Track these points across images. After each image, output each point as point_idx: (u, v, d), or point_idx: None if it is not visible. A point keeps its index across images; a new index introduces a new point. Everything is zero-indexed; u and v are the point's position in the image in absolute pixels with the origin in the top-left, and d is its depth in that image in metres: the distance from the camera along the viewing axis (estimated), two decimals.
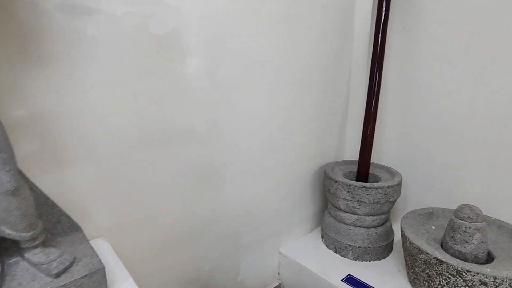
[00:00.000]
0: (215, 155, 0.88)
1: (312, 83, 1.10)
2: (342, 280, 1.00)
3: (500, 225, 0.97)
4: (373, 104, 1.13)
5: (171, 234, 0.84)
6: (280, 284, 1.19)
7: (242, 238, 1.03)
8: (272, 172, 1.06)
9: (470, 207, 0.89)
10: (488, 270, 0.76)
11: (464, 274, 0.77)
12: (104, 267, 0.51)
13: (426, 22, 1.07)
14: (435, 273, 0.84)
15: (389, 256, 1.12)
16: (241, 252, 1.04)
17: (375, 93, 1.12)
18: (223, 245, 0.98)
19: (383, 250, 1.10)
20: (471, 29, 0.99)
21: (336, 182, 1.08)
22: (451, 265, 0.79)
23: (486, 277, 0.75)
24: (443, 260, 0.80)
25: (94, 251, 0.54)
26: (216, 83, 0.83)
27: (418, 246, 0.87)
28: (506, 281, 0.74)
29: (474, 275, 0.76)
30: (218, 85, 0.83)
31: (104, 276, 0.51)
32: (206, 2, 0.76)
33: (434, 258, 0.82)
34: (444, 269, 0.81)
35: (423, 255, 0.85)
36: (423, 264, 0.86)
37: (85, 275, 0.49)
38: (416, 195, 1.23)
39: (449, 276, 0.80)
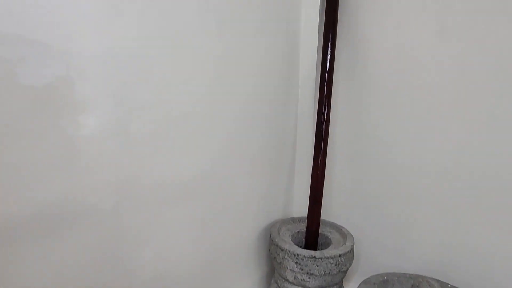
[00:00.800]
0: (127, 237, 0.68)
1: (253, 134, 0.97)
2: None
3: None
4: (320, 157, 1.02)
5: None
6: None
7: None
8: (208, 242, 0.88)
9: (428, 281, 0.79)
10: None
11: None
12: None
13: (373, 73, 1.02)
14: None
15: None
16: None
17: (323, 145, 1.01)
18: None
19: None
20: (419, 81, 0.95)
21: (282, 250, 0.93)
22: None
23: None
24: None
25: None
26: (126, 144, 0.65)
27: None
28: None
29: None
30: (129, 147, 0.65)
31: None
32: (109, 42, 0.59)
33: None
34: None
35: None
36: None
37: None
38: (369, 254, 1.13)
39: None
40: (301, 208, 1.19)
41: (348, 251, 0.93)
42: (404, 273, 0.96)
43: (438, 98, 0.93)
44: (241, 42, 0.85)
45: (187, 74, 0.73)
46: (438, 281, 0.81)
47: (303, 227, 1.10)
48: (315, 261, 0.88)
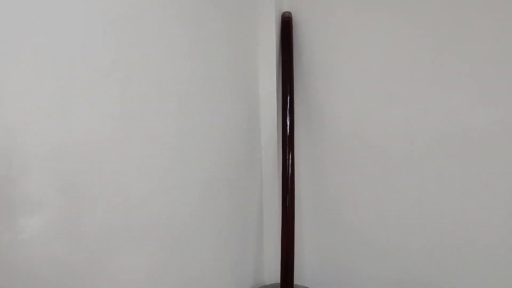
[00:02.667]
0: None
1: (218, 205, 0.93)
2: None
3: None
4: (288, 217, 1.01)
5: None
6: None
7: None
8: None
9: None
10: None
11: None
12: None
13: (330, 136, 1.06)
14: None
15: None
16: None
17: (290, 207, 1.01)
18: None
19: None
20: (372, 142, 1.00)
21: None
22: None
23: None
24: None
25: None
26: (77, 243, 0.57)
27: None
28: None
29: None
30: (81, 246, 0.58)
31: None
32: (55, 137, 0.54)
33: None
34: None
35: None
36: None
37: None
38: None
39: None
40: (272, 274, 1.13)
41: None
42: None
43: (390, 156, 0.98)
44: (201, 114, 0.85)
45: (145, 158, 0.69)
46: None
47: None
48: None
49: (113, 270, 0.63)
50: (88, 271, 0.59)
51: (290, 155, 1.02)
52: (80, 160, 0.57)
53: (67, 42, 0.54)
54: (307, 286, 1.09)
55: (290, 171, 1.02)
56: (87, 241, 0.58)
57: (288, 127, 1.02)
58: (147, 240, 0.70)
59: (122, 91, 0.63)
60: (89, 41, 0.57)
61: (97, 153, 0.60)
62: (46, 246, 0.53)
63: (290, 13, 1.06)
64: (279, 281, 1.01)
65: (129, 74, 0.64)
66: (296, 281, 1.12)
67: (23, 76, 0.50)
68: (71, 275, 0.56)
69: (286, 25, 1.06)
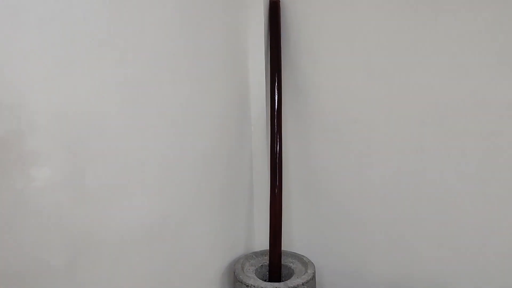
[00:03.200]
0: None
1: (210, 175, 0.99)
2: None
3: None
4: (276, 191, 1.08)
5: None
6: None
7: None
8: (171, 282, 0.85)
9: None
10: None
11: None
12: None
13: (316, 111, 1.12)
14: None
15: None
16: None
17: (278, 180, 1.08)
18: None
19: None
20: (354, 116, 1.07)
21: (247, 286, 0.93)
22: None
23: None
24: None
25: None
26: (82, 196, 0.64)
27: None
28: None
29: None
30: (85, 198, 0.64)
31: None
32: (58, 97, 0.60)
33: None
34: None
35: None
36: None
37: None
38: (330, 279, 1.17)
39: None
40: (262, 241, 1.21)
41: (310, 279, 0.96)
42: None
43: (373, 131, 1.05)
44: (194, 87, 0.90)
45: (142, 124, 0.75)
46: None
47: (266, 260, 1.12)
48: None
49: (112, 219, 0.69)
50: (92, 220, 0.65)
51: (278, 130, 1.09)
52: (83, 121, 0.63)
53: (69, 12, 0.60)
54: (294, 251, 1.17)
55: (278, 145, 1.08)
56: (91, 196, 0.65)
57: (276, 102, 1.09)
58: (144, 197, 0.77)
59: (120, 59, 0.69)
60: (89, 12, 0.63)
61: (98, 116, 0.66)
62: (54, 197, 0.60)
63: None
64: (268, 248, 1.09)
65: (126, 44, 0.70)
66: (285, 247, 1.21)
67: (31, 42, 0.55)
68: (76, 224, 0.63)
69: (274, 6, 1.12)
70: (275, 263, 1.06)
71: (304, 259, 1.09)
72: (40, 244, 0.58)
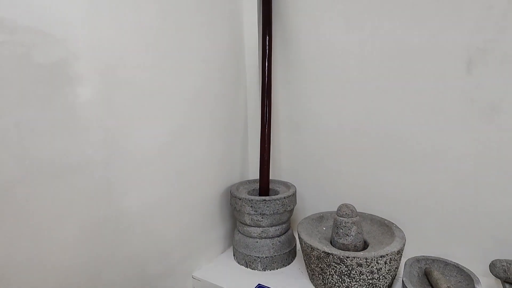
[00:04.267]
0: (114, 183, 0.88)
1: (211, 110, 1.20)
2: None
3: (372, 218, 1.18)
4: (266, 127, 1.28)
5: (65, 280, 0.78)
6: None
7: (150, 269, 1.01)
8: (178, 197, 1.09)
9: (346, 205, 1.07)
10: (361, 253, 0.93)
11: (345, 260, 0.92)
12: None
13: (302, 58, 1.31)
14: (325, 265, 0.97)
15: (293, 262, 1.24)
16: (150, 285, 1.01)
17: (267, 117, 1.28)
18: (128, 281, 0.94)
19: (287, 256, 1.21)
20: (334, 62, 1.25)
21: (240, 199, 1.17)
22: (335, 255, 0.94)
23: (360, 259, 0.91)
24: (329, 252, 0.95)
25: None
26: (111, 111, 0.85)
27: (311, 245, 1.00)
28: (374, 259, 0.91)
29: (352, 259, 0.92)
30: (113, 113, 0.85)
31: None
32: (94, 33, 0.80)
33: (323, 252, 0.96)
34: (331, 260, 0.95)
35: (315, 252, 0.98)
36: (316, 260, 0.99)
37: None
38: (311, 203, 1.41)
39: (335, 265, 0.94)
40: (255, 172, 1.44)
41: (291, 195, 1.19)
42: (335, 211, 1.25)
43: (346, 75, 1.23)
44: (199, 36, 1.09)
45: (156, 58, 0.95)
46: (352, 205, 1.09)
47: (257, 186, 1.35)
48: (265, 203, 1.14)
49: (134, 133, 0.91)
50: (120, 130, 0.87)
51: (268, 77, 1.27)
52: (111, 53, 0.83)
53: None
54: (282, 179, 1.40)
55: (267, 89, 1.27)
56: (118, 112, 0.86)
57: (267, 52, 1.26)
58: (157, 121, 0.98)
59: (138, 6, 0.88)
60: None
61: (122, 50, 0.86)
62: (94, 109, 0.81)
63: None
64: (258, 177, 1.32)
65: None
66: (273, 177, 1.44)
67: None
68: (109, 131, 0.85)
69: None
70: (264, 187, 1.29)
71: (288, 184, 1.32)
72: (86, 144, 0.80)
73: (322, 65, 1.28)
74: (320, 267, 0.99)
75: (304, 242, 1.03)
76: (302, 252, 1.09)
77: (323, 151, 1.34)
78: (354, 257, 0.92)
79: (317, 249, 0.97)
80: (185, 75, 1.07)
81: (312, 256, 1.01)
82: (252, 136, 1.43)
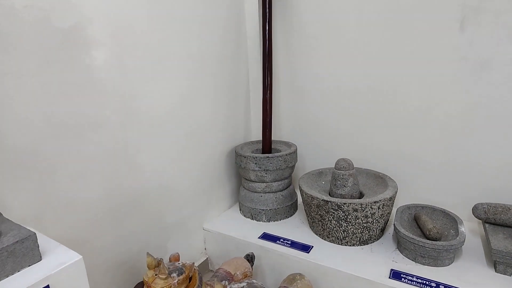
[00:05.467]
0: (130, 141, 0.95)
1: (215, 73, 1.25)
2: (258, 237, 1.18)
3: (368, 172, 1.28)
4: (268, 90, 1.34)
5: (94, 217, 0.88)
6: (207, 258, 1.31)
7: (166, 218, 1.12)
8: (188, 155, 1.17)
9: (344, 159, 1.16)
10: (357, 200, 1.03)
11: (342, 206, 1.03)
12: (35, 234, 0.55)
13: (302, 22, 1.34)
14: (324, 212, 1.07)
15: (295, 214, 1.35)
16: (166, 232, 1.12)
17: (269, 80, 1.33)
18: (148, 226, 1.05)
19: (289, 209, 1.32)
20: (335, 25, 1.28)
21: (245, 157, 1.25)
22: (333, 202, 1.03)
23: (356, 205, 1.01)
24: (328, 200, 1.05)
25: (20, 226, 0.58)
26: (124, 74, 0.91)
27: (311, 195, 1.09)
28: (369, 205, 1.01)
29: (348, 205, 1.02)
30: (126, 76, 0.91)
31: (36, 241, 0.55)
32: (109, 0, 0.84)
33: (322, 200, 1.06)
34: (330, 207, 1.05)
35: (315, 201, 1.08)
36: (316, 208, 1.10)
37: (16, 241, 0.53)
38: (311, 161, 1.50)
39: (333, 211, 1.05)
40: (257, 135, 1.52)
41: (292, 152, 1.28)
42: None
43: (344, 36, 1.27)
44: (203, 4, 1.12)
45: (163, 23, 0.99)
46: (349, 159, 1.18)
47: (260, 146, 1.43)
48: (269, 159, 1.22)
49: (146, 95, 0.98)
50: (133, 91, 0.94)
51: (269, 42, 1.31)
52: (122, 19, 0.88)
53: None
54: (284, 140, 1.48)
55: (268, 53, 1.32)
56: (130, 74, 0.92)
57: (267, 17, 1.29)
58: (165, 82, 1.04)
59: None
60: None
61: (131, 17, 0.90)
62: (108, 71, 0.87)
63: None
64: (261, 138, 1.39)
65: None
66: (275, 138, 1.52)
67: None
68: (124, 92, 0.91)
69: None
70: (267, 146, 1.37)
71: (290, 143, 1.40)
72: (103, 104, 0.86)
73: (321, 28, 1.31)
74: (319, 214, 1.10)
75: (305, 193, 1.13)
76: (303, 203, 1.19)
77: (322, 112, 1.41)
78: (350, 203, 1.01)
79: (317, 198, 1.07)
80: (190, 40, 1.11)
81: (312, 205, 1.11)
82: (254, 99, 1.49)
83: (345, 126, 1.37)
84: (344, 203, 1.02)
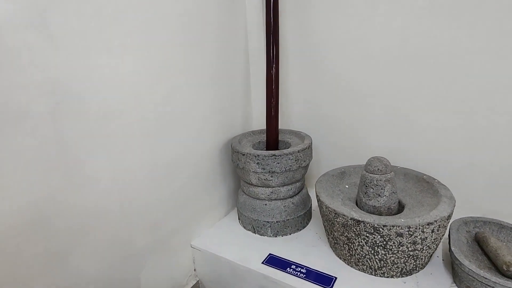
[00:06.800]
0: (71, 140, 0.64)
1: (203, 41, 0.92)
2: (262, 262, 0.89)
3: (406, 173, 0.96)
4: (273, 65, 1.01)
5: (19, 258, 0.59)
6: (198, 281, 1.03)
7: (136, 242, 0.82)
8: (165, 153, 0.87)
9: (378, 159, 0.85)
10: (402, 220, 0.72)
11: (381, 229, 0.72)
12: None
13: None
14: (353, 235, 0.77)
15: (309, 225, 1.05)
16: (137, 260, 0.83)
17: (274, 52, 1.00)
18: (106, 258, 0.75)
19: (302, 219, 1.03)
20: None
21: (243, 155, 0.94)
22: (367, 223, 0.73)
23: (401, 228, 0.71)
24: (360, 219, 0.74)
25: None
26: (50, 39, 0.58)
27: (334, 210, 0.79)
28: (419, 228, 0.71)
29: (390, 229, 0.72)
30: (54, 42, 0.59)
31: None
32: None
33: (351, 219, 0.76)
34: (362, 229, 0.75)
35: (340, 219, 0.78)
36: (341, 227, 0.80)
37: None
38: (328, 157, 1.19)
39: (367, 234, 0.75)
40: (260, 122, 1.20)
41: (306, 148, 0.96)
42: (359, 165, 1.03)
43: (373, 23, 0.92)
44: None
45: None
46: (385, 159, 0.87)
47: (263, 137, 1.12)
48: (275, 158, 0.91)
49: (89, 73, 0.66)
50: (65, 67, 0.61)
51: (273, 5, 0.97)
52: None
53: None
54: (294, 129, 1.16)
55: (272, 10, 0.97)
56: (57, 39, 0.59)
57: None
58: (125, 55, 0.72)
59: None
60: None
61: None
62: (21, 36, 0.54)
63: None
64: (265, 127, 1.08)
65: None
66: (283, 126, 1.20)
67: None
68: (50, 69, 0.59)
69: None
70: (272, 138, 1.06)
71: (302, 133, 1.08)
72: (18, 87, 0.55)
73: (342, 5, 0.96)
74: (346, 236, 0.80)
75: (325, 206, 0.82)
76: (322, 217, 0.89)
77: (343, 92, 1.08)
78: (393, 226, 0.71)
79: (343, 215, 0.77)
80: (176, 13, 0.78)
81: (335, 222, 0.81)
82: (255, 76, 1.16)
83: (375, 110, 1.04)
84: (384, 226, 0.72)
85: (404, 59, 0.95)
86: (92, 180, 0.69)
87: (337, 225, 0.81)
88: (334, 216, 0.80)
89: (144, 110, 0.78)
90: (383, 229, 0.72)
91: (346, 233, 0.79)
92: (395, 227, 0.71)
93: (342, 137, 1.14)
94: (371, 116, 1.05)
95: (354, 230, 0.76)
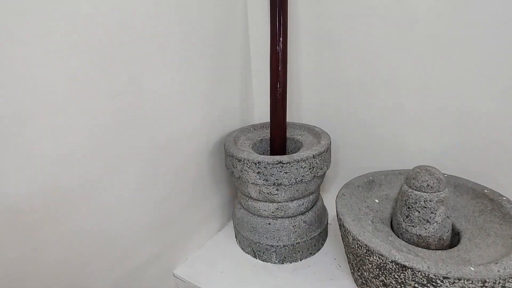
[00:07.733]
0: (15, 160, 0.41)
1: (189, 13, 0.66)
2: None
3: (457, 184, 0.72)
4: (279, 41, 0.75)
5: None
6: None
7: (97, 280, 0.61)
8: (136, 158, 0.63)
9: (427, 170, 0.61)
10: (472, 270, 0.49)
11: (439, 282, 0.49)
12: None
13: None
14: (393, 281, 0.54)
15: (324, 246, 0.83)
16: None
17: (280, 27, 0.74)
18: None
19: (317, 241, 0.80)
20: None
21: (239, 160, 0.71)
22: (418, 271, 0.50)
23: (472, 283, 0.48)
24: (407, 265, 0.51)
25: None
26: None
27: (366, 245, 0.56)
28: (499, 281, 0.47)
29: (454, 283, 0.48)
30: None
31: None
32: None
33: (393, 262, 0.52)
34: (409, 277, 0.52)
35: (375, 258, 0.55)
36: (376, 269, 0.57)
37: None
38: (348, 159, 0.95)
39: (417, 285, 0.51)
40: (263, 114, 0.96)
41: (324, 151, 0.72)
42: (392, 170, 0.79)
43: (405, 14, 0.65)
44: None
45: None
46: (437, 170, 0.63)
47: (267, 134, 0.88)
48: (282, 167, 0.67)
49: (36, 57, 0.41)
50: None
51: None
52: None
53: None
54: (305, 123, 0.92)
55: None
56: None
57: None
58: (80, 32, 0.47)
59: None
60: None
61: None
62: None
63: None
64: (268, 121, 0.83)
65: None
66: (291, 118, 0.96)
67: None
68: None
69: None
70: (279, 137, 0.82)
71: (317, 129, 0.84)
72: None
73: None
74: (382, 281, 0.57)
75: (352, 235, 0.59)
76: (346, 246, 0.66)
77: (367, 78, 0.82)
78: (459, 279, 0.48)
79: (381, 255, 0.54)
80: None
81: (366, 261, 0.58)
82: (257, 56, 0.90)
83: (414, 96, 0.79)
84: (445, 277, 0.48)
85: (414, 58, 0.69)
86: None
87: (370, 265, 0.57)
88: (367, 253, 0.56)
89: (108, 97, 0.54)
90: (443, 282, 0.49)
91: (383, 278, 0.56)
92: (462, 281, 0.48)
93: (366, 135, 0.89)
94: (406, 106, 0.80)
95: (396, 276, 0.53)
